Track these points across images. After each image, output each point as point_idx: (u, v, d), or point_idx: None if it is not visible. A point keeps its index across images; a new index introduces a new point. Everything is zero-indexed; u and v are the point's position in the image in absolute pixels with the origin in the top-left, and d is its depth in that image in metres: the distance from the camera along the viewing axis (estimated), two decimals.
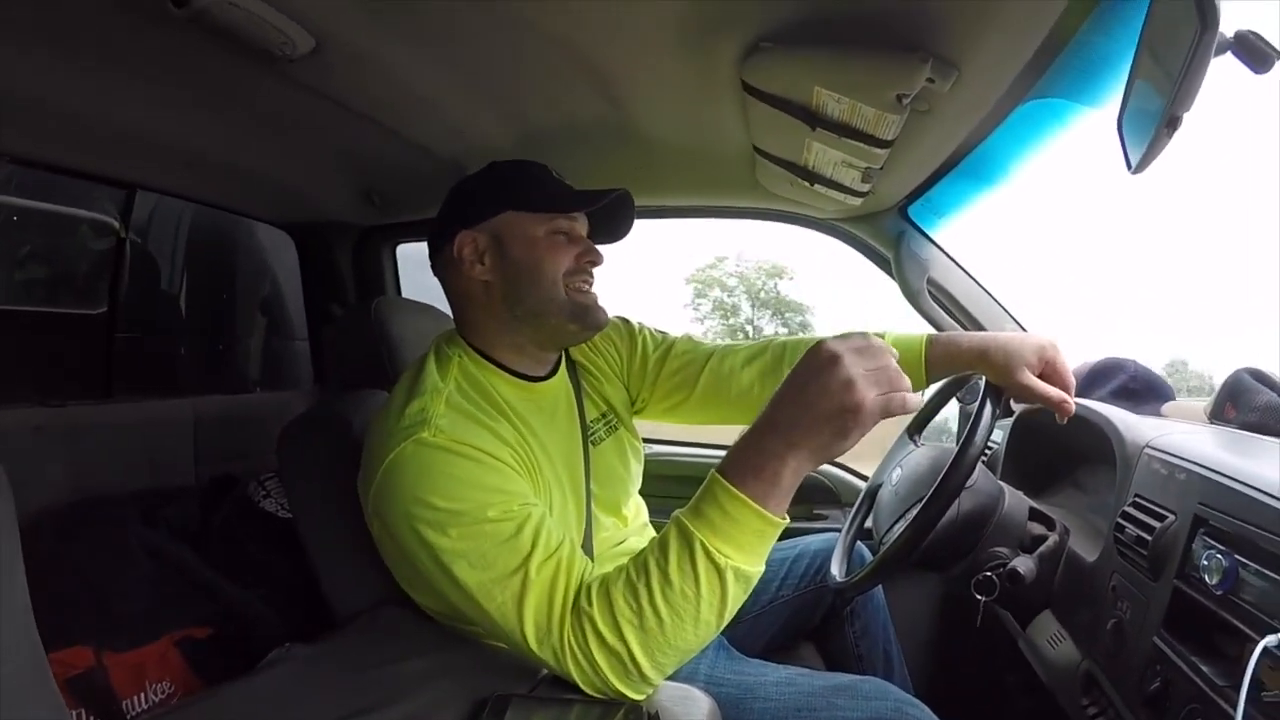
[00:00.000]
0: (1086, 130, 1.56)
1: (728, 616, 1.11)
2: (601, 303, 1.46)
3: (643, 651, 1.08)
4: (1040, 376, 1.38)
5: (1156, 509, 1.27)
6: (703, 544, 1.05)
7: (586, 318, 1.42)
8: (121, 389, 2.55)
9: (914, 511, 1.45)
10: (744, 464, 1.05)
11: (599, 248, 1.46)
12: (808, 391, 1.01)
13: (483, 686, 1.16)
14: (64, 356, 2.59)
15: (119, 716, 1.53)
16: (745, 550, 1.07)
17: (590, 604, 1.10)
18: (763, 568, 1.11)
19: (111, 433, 2.07)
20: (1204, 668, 1.05)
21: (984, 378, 1.44)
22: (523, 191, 1.40)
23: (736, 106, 1.55)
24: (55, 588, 1.59)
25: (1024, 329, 2.15)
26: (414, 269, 2.83)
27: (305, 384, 2.93)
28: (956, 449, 1.36)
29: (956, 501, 1.41)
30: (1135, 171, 1.09)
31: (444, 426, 1.22)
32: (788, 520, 1.08)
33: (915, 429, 1.81)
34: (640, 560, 1.10)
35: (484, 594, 1.14)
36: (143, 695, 1.58)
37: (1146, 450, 1.39)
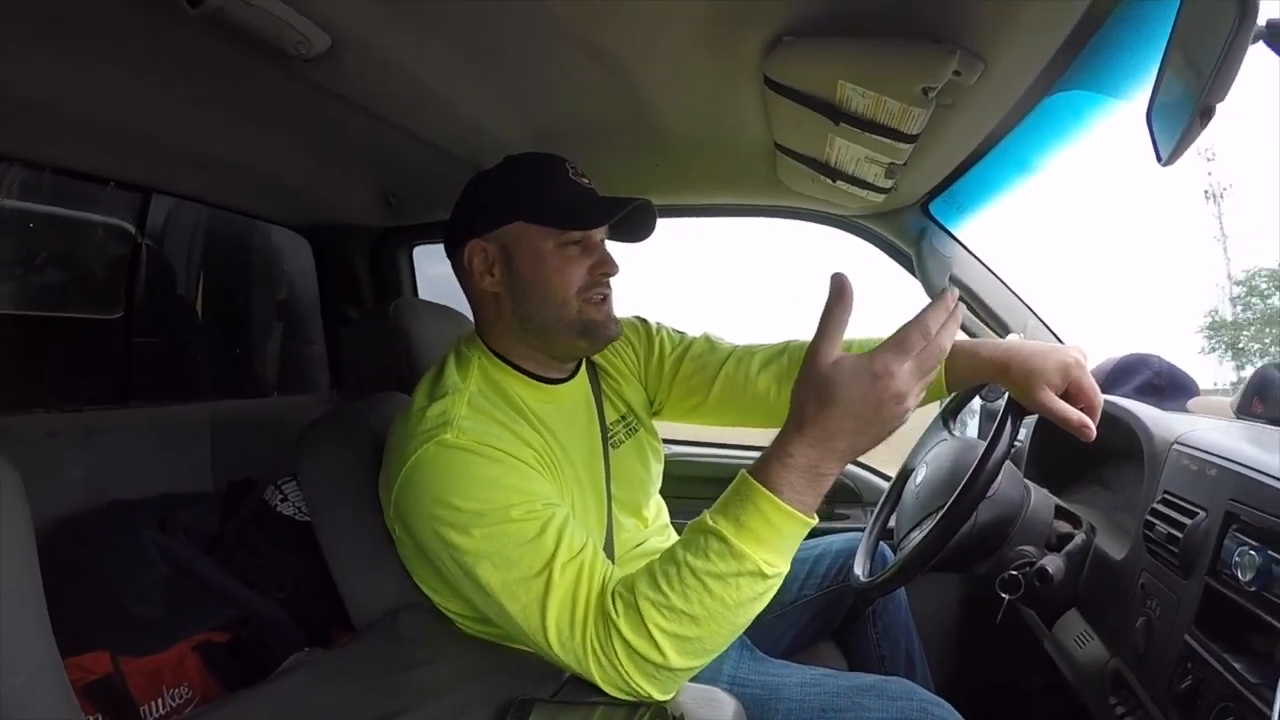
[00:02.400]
0: (1118, 123, 1.54)
1: (756, 614, 1.11)
2: (615, 312, 1.43)
3: (678, 655, 1.08)
4: (1065, 394, 1.32)
5: (1187, 506, 1.26)
6: (753, 560, 1.04)
7: (596, 334, 1.40)
8: (138, 394, 2.56)
9: (930, 521, 1.45)
10: (797, 484, 1.04)
11: (616, 244, 1.44)
12: (857, 413, 0.99)
13: (505, 691, 1.15)
14: (80, 361, 2.59)
15: None
16: (787, 555, 1.08)
17: (618, 614, 1.09)
18: None
19: (128, 437, 2.07)
20: (1237, 665, 1.05)
21: (1006, 391, 1.41)
22: (534, 199, 1.36)
23: (758, 102, 1.54)
24: (72, 593, 1.59)
25: (1049, 328, 2.13)
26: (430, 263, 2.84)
27: (322, 388, 2.93)
28: (974, 462, 1.35)
29: (974, 513, 1.41)
30: (1166, 163, 1.07)
31: (466, 428, 1.22)
32: None
33: (949, 414, 1.80)
34: (671, 569, 1.09)
35: (507, 595, 1.13)
36: (160, 700, 1.57)
37: (1175, 446, 1.38)
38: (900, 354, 0.98)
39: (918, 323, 0.99)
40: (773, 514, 1.04)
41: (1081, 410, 1.29)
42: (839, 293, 1.02)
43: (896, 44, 1.23)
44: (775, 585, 1.09)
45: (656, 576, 1.09)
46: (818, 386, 1.01)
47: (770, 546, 1.05)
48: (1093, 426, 1.28)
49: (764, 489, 1.04)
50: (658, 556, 1.13)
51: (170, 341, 2.89)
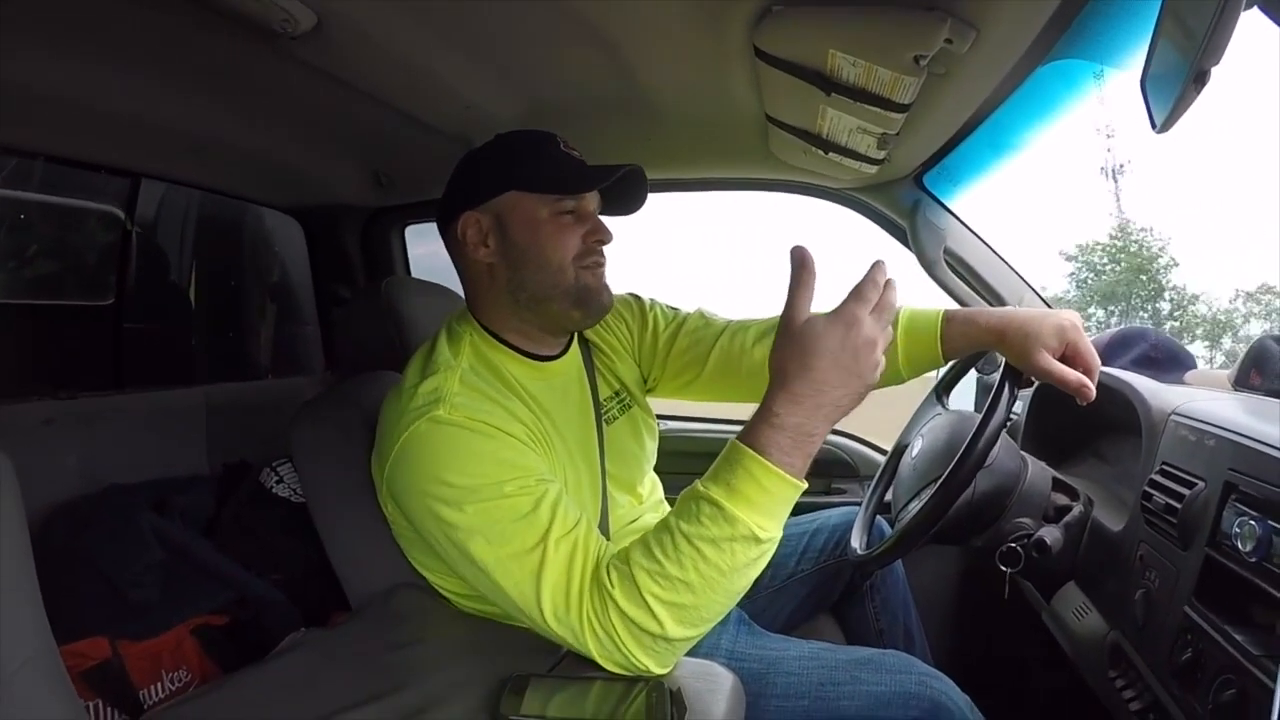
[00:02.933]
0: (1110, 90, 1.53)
1: (752, 580, 1.12)
2: (609, 283, 1.43)
3: (675, 623, 1.08)
4: (1061, 358, 1.34)
5: (1185, 476, 1.25)
6: (745, 523, 1.05)
7: (590, 304, 1.39)
8: (132, 379, 2.55)
9: (929, 491, 1.45)
10: (785, 446, 1.06)
11: (610, 220, 1.43)
12: (840, 362, 1.04)
13: (501, 667, 1.15)
14: (74, 348, 2.59)
15: (136, 706, 1.52)
16: (779, 520, 1.09)
17: (613, 585, 1.09)
18: None
19: (123, 423, 2.07)
20: (1237, 637, 1.04)
21: (1003, 358, 1.41)
22: (527, 169, 1.36)
23: (748, 73, 1.53)
24: (69, 579, 1.59)
25: (1044, 300, 2.13)
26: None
27: (317, 369, 2.92)
28: (972, 431, 1.34)
29: (973, 482, 1.41)
30: (1160, 130, 1.06)
31: (459, 403, 1.21)
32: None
33: (943, 389, 1.80)
34: (665, 537, 1.09)
35: (501, 570, 1.13)
36: (159, 684, 1.58)
37: (1173, 417, 1.37)
38: (861, 302, 1.06)
39: (867, 278, 1.08)
40: (762, 476, 1.05)
41: (1080, 372, 1.31)
42: (801, 263, 1.09)
43: (887, 11, 1.21)
44: (769, 550, 1.10)
45: (651, 545, 1.10)
46: (796, 344, 1.06)
47: (762, 510, 1.06)
48: (1092, 387, 1.31)
49: (752, 451, 1.06)
50: (652, 528, 1.14)
51: (163, 326, 2.89)
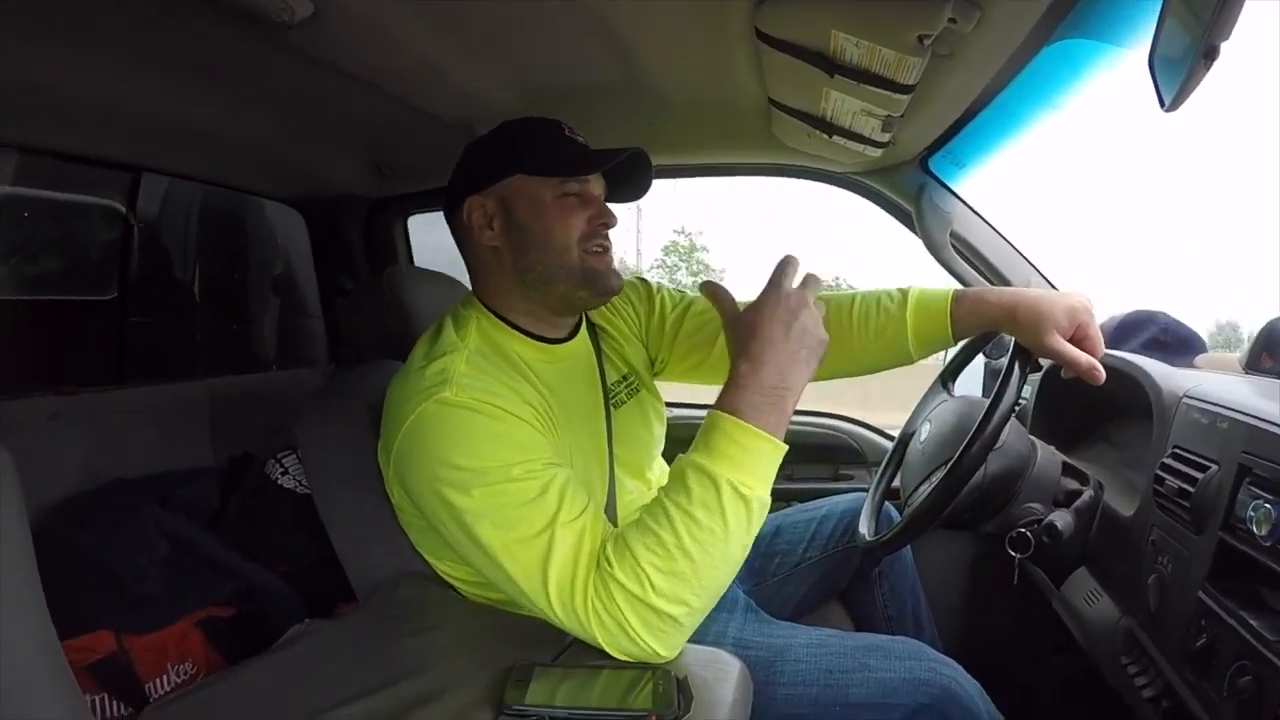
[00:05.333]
0: (1117, 73, 1.51)
1: (748, 547, 1.14)
2: (616, 265, 1.43)
3: (676, 595, 1.09)
4: (1070, 339, 1.34)
5: (1198, 459, 1.24)
6: (728, 480, 1.08)
7: (597, 284, 1.40)
8: (135, 374, 2.55)
9: (939, 474, 1.43)
10: (755, 403, 1.13)
11: (615, 206, 1.43)
12: (792, 333, 1.15)
13: (506, 656, 1.15)
14: (77, 343, 2.59)
15: (142, 699, 1.52)
16: (763, 479, 1.12)
17: (611, 563, 1.10)
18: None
19: (127, 418, 2.06)
20: (1253, 622, 1.03)
21: (1013, 338, 1.40)
22: (531, 154, 1.37)
23: (750, 57, 1.52)
24: (74, 574, 1.58)
25: (1050, 283, 2.11)
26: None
27: (320, 360, 2.92)
28: (983, 413, 1.33)
29: (984, 464, 1.39)
30: (1169, 109, 1.05)
31: (466, 385, 1.21)
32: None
33: (949, 376, 1.78)
34: (657, 509, 1.12)
35: (508, 555, 1.14)
36: (165, 677, 1.57)
37: (1185, 400, 1.36)
38: (780, 279, 1.21)
39: (778, 269, 1.23)
40: (738, 434, 1.11)
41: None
42: (784, 266, 1.23)
43: None
44: (760, 512, 1.12)
45: (645, 518, 1.13)
46: (743, 320, 1.20)
47: (744, 467, 1.10)
48: (1102, 370, 1.30)
49: (725, 413, 1.13)
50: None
51: (166, 320, 2.89)
